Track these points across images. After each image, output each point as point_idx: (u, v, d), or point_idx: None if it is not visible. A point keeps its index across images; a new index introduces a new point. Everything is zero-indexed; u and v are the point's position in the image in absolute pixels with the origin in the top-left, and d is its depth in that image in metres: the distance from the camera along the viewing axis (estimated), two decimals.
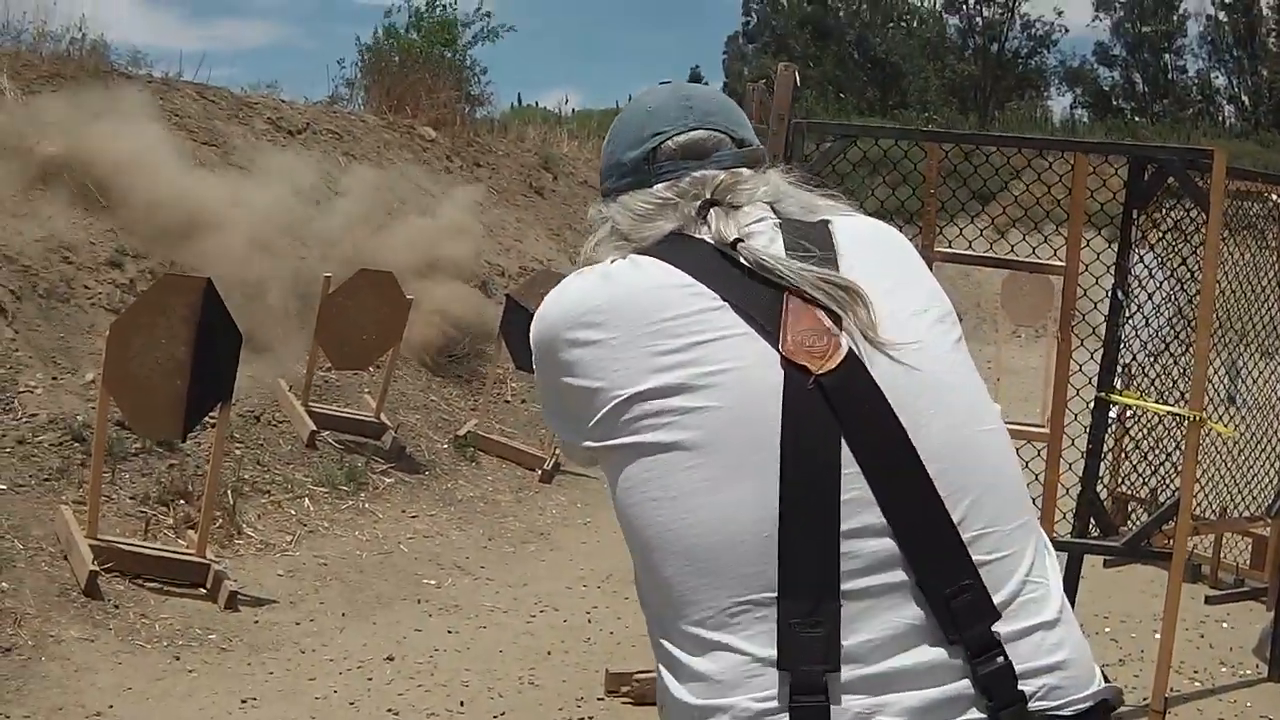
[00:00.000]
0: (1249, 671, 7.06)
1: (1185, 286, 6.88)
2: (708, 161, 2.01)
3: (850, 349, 1.75)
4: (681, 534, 1.72)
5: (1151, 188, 6.68)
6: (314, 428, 9.93)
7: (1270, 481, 7.51)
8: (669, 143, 2.03)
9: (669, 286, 1.83)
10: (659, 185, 2.00)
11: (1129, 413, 7.44)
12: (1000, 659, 1.66)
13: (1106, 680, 1.77)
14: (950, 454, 1.74)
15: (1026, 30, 54.38)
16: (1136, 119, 47.80)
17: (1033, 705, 1.67)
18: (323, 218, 12.71)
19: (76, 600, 6.73)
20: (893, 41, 50.71)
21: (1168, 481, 7.07)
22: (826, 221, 1.96)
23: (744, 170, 2.01)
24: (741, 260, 1.85)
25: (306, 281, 10.97)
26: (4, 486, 7.44)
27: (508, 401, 12.84)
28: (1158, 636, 6.27)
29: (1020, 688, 1.66)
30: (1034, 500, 1.90)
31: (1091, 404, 6.70)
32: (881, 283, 1.85)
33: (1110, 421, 6.93)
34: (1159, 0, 52.39)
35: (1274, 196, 7.58)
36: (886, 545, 1.67)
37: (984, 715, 1.64)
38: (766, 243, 1.88)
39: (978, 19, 54.18)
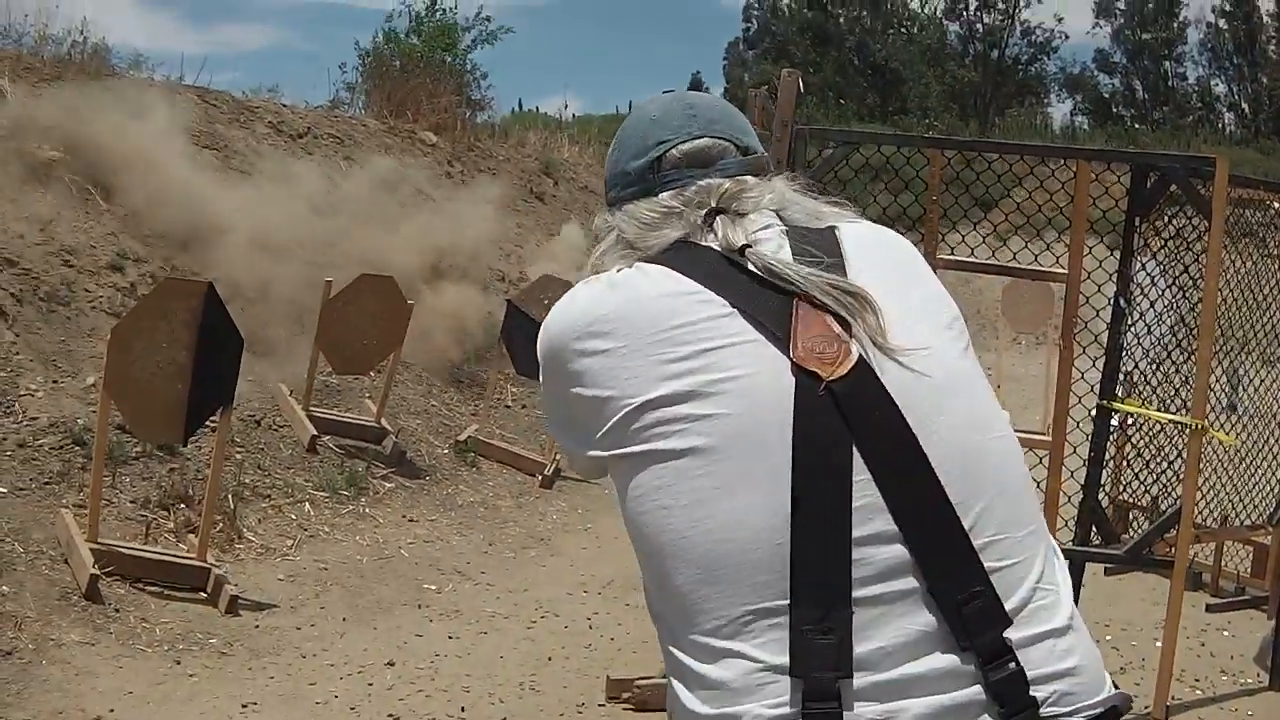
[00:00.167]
0: (1250, 680, 7.05)
1: (1187, 294, 6.87)
2: (712, 169, 2.00)
3: (860, 355, 1.75)
4: (693, 542, 1.72)
5: (1154, 195, 6.68)
6: (315, 432, 9.93)
7: (1271, 489, 7.51)
8: (673, 151, 2.02)
9: (677, 294, 1.83)
10: (664, 194, 1.99)
11: (1131, 420, 7.43)
12: (1012, 665, 1.66)
13: (1116, 687, 1.77)
14: (961, 460, 1.74)
15: (1027, 37, 54.50)
16: (1136, 126, 47.88)
17: (1044, 711, 1.67)
18: (324, 222, 12.71)
19: (77, 604, 6.72)
20: (893, 48, 50.77)
21: (1169, 489, 7.06)
22: (833, 228, 1.97)
23: (749, 178, 2.00)
24: (750, 267, 1.85)
25: (308, 286, 10.96)
26: (4, 490, 7.44)
27: (508, 407, 12.85)
28: (1159, 644, 6.28)
29: (1032, 694, 1.67)
30: None
31: (1093, 411, 6.69)
32: (889, 289, 1.85)
33: (1112, 429, 6.92)
34: (1159, 7, 52.46)
35: (1275, 204, 7.59)
36: (898, 552, 1.68)
37: None
38: (774, 249, 1.88)
39: (978, 25, 54.30)
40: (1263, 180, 7.88)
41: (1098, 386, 6.65)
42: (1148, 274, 6.80)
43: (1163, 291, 6.91)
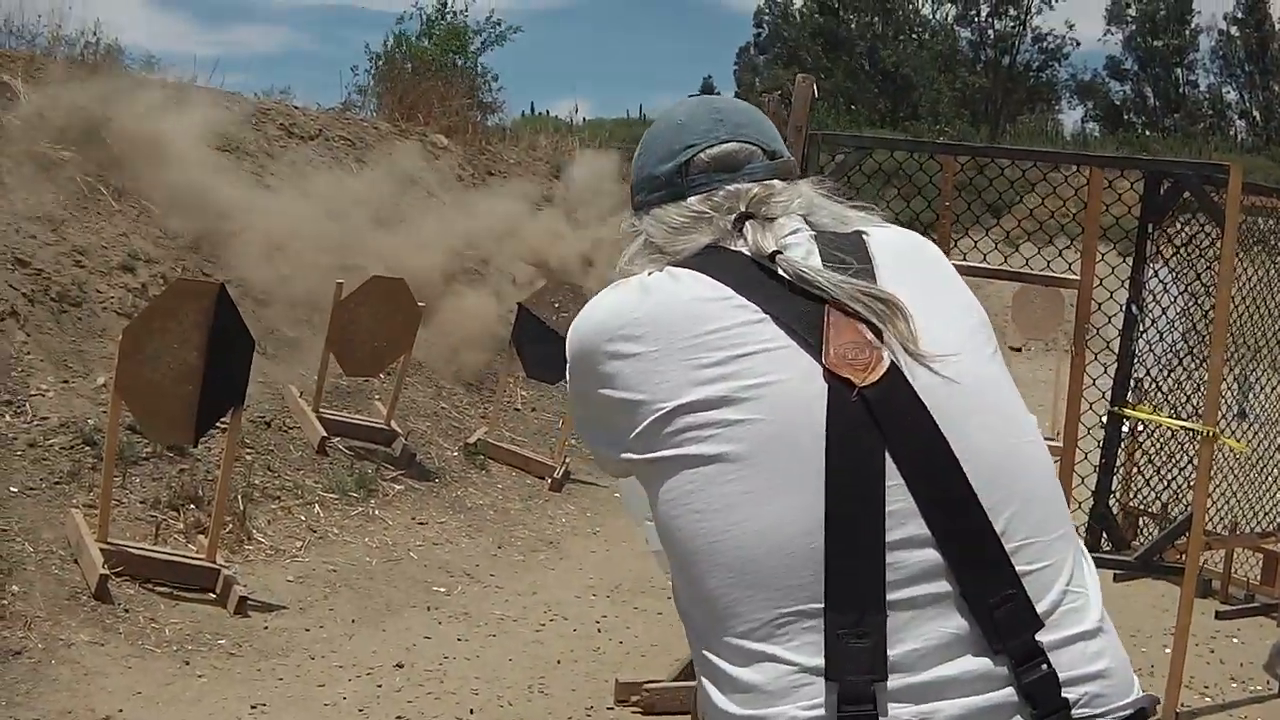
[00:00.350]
0: (1259, 687, 7.04)
1: (1199, 301, 6.88)
2: (740, 174, 2.01)
3: (892, 362, 1.76)
4: (726, 546, 1.72)
5: (1167, 202, 6.68)
6: (324, 434, 9.93)
7: (1274, 495, 7.50)
8: (701, 155, 2.03)
9: (709, 299, 1.84)
10: (693, 198, 2.00)
11: (1142, 427, 7.43)
12: (1044, 667, 1.67)
13: (1142, 689, 1.78)
14: (992, 465, 1.75)
15: (1038, 43, 54.39)
16: (1148, 133, 47.73)
17: (1076, 713, 1.68)
18: (335, 224, 12.71)
19: (86, 604, 6.73)
20: (904, 53, 50.70)
21: (1179, 496, 7.07)
22: (861, 233, 1.97)
23: (776, 182, 2.01)
24: (780, 273, 1.86)
25: (318, 288, 10.96)
26: (15, 490, 7.45)
27: (518, 410, 12.85)
28: (1168, 651, 6.27)
29: (1064, 695, 1.68)
30: None
31: (1104, 418, 6.69)
32: (919, 294, 1.86)
33: (1123, 435, 6.92)
34: (1171, 15, 52.37)
35: None
36: (931, 556, 1.69)
37: None
38: (804, 255, 1.89)
39: (989, 32, 54.18)
40: (1276, 187, 7.87)
41: (1109, 393, 6.65)
42: (1160, 281, 6.80)
43: (1175, 298, 6.91)
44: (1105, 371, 6.68)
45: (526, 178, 18.45)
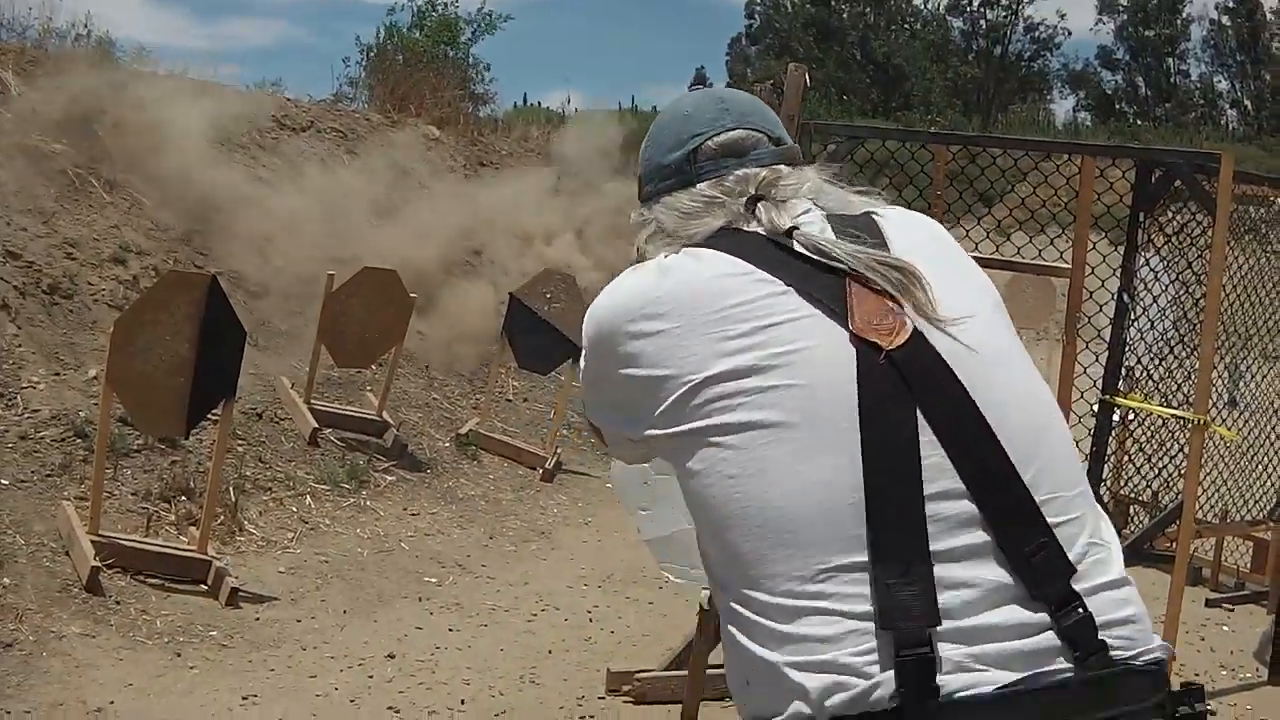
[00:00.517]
0: (1249, 675, 7.06)
1: (1190, 290, 6.88)
2: (747, 159, 2.08)
3: (915, 327, 1.84)
4: (765, 507, 1.77)
5: (1158, 191, 6.69)
6: (316, 425, 9.93)
7: (1271, 485, 7.52)
8: (709, 143, 2.10)
9: (731, 275, 1.90)
10: (702, 184, 2.06)
11: (1132, 415, 7.44)
12: (1080, 611, 1.75)
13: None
14: (1016, 423, 1.82)
15: (1030, 33, 54.51)
16: (1139, 122, 47.85)
17: (1114, 651, 1.76)
18: (326, 215, 12.70)
19: (78, 596, 6.72)
20: (896, 43, 50.74)
21: (1170, 484, 7.08)
22: (870, 213, 2.05)
23: (783, 167, 2.08)
24: (796, 248, 1.93)
25: (310, 279, 10.95)
26: (6, 482, 7.44)
27: (509, 400, 12.84)
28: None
29: (1102, 638, 1.76)
30: None
31: (1095, 406, 6.70)
32: (934, 267, 1.93)
33: (1114, 424, 6.93)
34: (1162, 4, 52.42)
35: (1278, 201, 7.59)
36: (967, 508, 1.76)
37: (1070, 664, 1.72)
38: (818, 232, 1.96)
39: (981, 21, 54.25)
40: (1267, 176, 7.89)
41: (1100, 381, 6.66)
42: (1151, 269, 6.81)
43: (1166, 287, 6.92)
44: (1096, 360, 6.69)
45: (519, 168, 18.42)
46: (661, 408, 1.89)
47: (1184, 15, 53.18)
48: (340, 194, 13.56)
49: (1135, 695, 1.78)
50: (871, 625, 1.69)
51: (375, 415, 10.64)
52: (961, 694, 1.67)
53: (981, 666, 1.69)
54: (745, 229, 1.99)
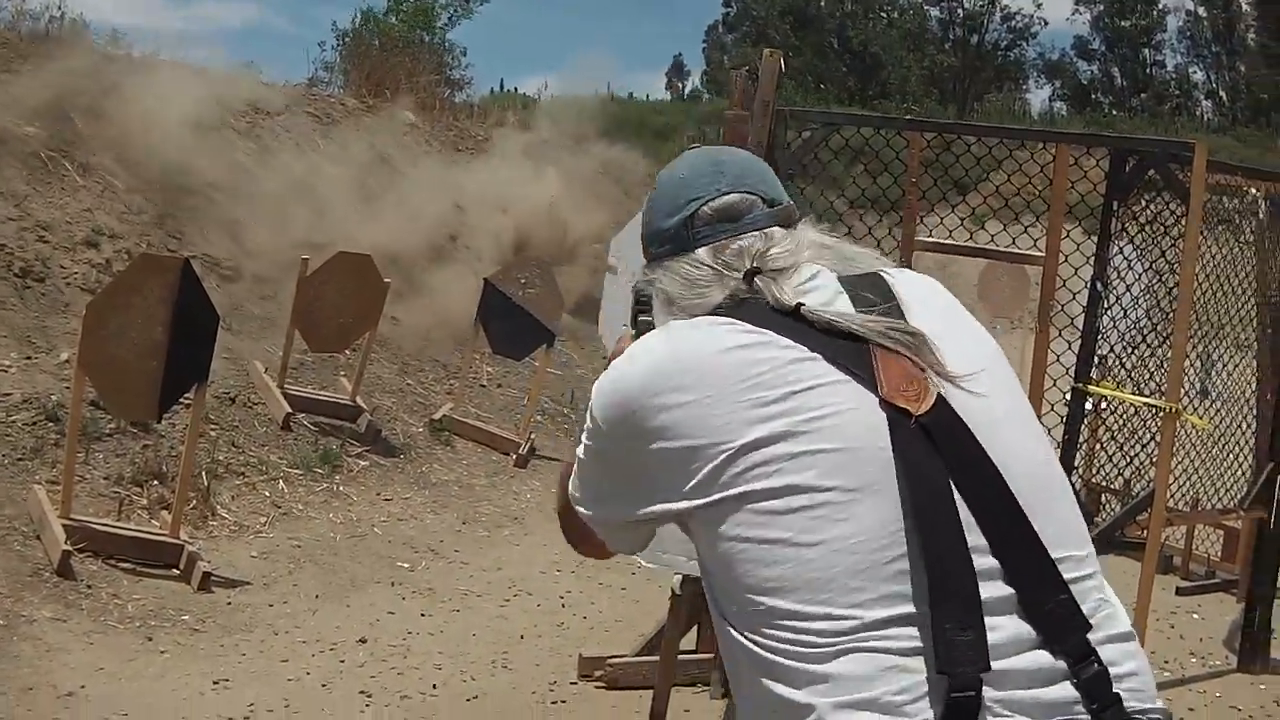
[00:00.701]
0: (1219, 662, 7.10)
1: (1163, 279, 6.89)
2: (742, 223, 2.10)
3: (939, 392, 1.89)
4: (805, 565, 1.80)
5: (1132, 180, 6.69)
6: (289, 410, 9.91)
7: (1242, 473, 7.54)
8: (704, 208, 2.12)
9: (755, 343, 1.92)
10: (700, 250, 2.09)
11: (1105, 403, 7.45)
12: (1096, 665, 1.80)
13: None
14: (1029, 481, 1.88)
15: (1006, 23, 54.47)
16: (1114, 112, 47.96)
17: (1127, 707, 1.81)
18: (302, 200, 12.67)
19: (49, 580, 6.70)
20: (873, 32, 50.72)
21: (1142, 472, 7.08)
22: (879, 273, 2.09)
23: (776, 230, 2.10)
24: (810, 320, 1.95)
25: (284, 263, 10.93)
26: None
27: (483, 386, 12.82)
28: None
29: (1116, 691, 1.80)
30: None
31: (1068, 394, 6.71)
32: (940, 325, 2.00)
33: (1086, 412, 6.94)
34: None
35: (1252, 190, 7.60)
36: (992, 564, 1.81)
37: (1088, 715, 1.77)
38: (828, 298, 2.01)
39: (958, 10, 54.25)
40: (1240, 166, 7.90)
41: (1073, 369, 6.67)
42: (1124, 258, 6.82)
43: (1139, 276, 6.93)
44: (1069, 348, 6.70)
45: (495, 153, 18.38)
46: (696, 479, 1.88)
47: (1160, 6, 53.26)
48: (315, 178, 13.53)
49: None
50: (917, 665, 1.73)
51: (349, 400, 10.62)
52: None
53: (1008, 713, 1.73)
54: (750, 300, 2.00)
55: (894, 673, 1.73)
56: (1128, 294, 6.88)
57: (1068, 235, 6.69)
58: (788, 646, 1.79)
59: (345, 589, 7.64)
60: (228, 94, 14.31)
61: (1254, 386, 7.77)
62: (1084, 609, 1.83)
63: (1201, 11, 52.02)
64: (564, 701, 6.23)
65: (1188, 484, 7.37)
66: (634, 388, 1.96)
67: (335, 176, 13.80)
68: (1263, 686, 7.18)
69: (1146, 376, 6.88)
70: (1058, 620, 1.80)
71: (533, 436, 11.48)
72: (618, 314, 4.26)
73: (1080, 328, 6.71)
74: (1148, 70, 54.42)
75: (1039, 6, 54.65)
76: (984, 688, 1.73)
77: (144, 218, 11.16)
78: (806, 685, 1.77)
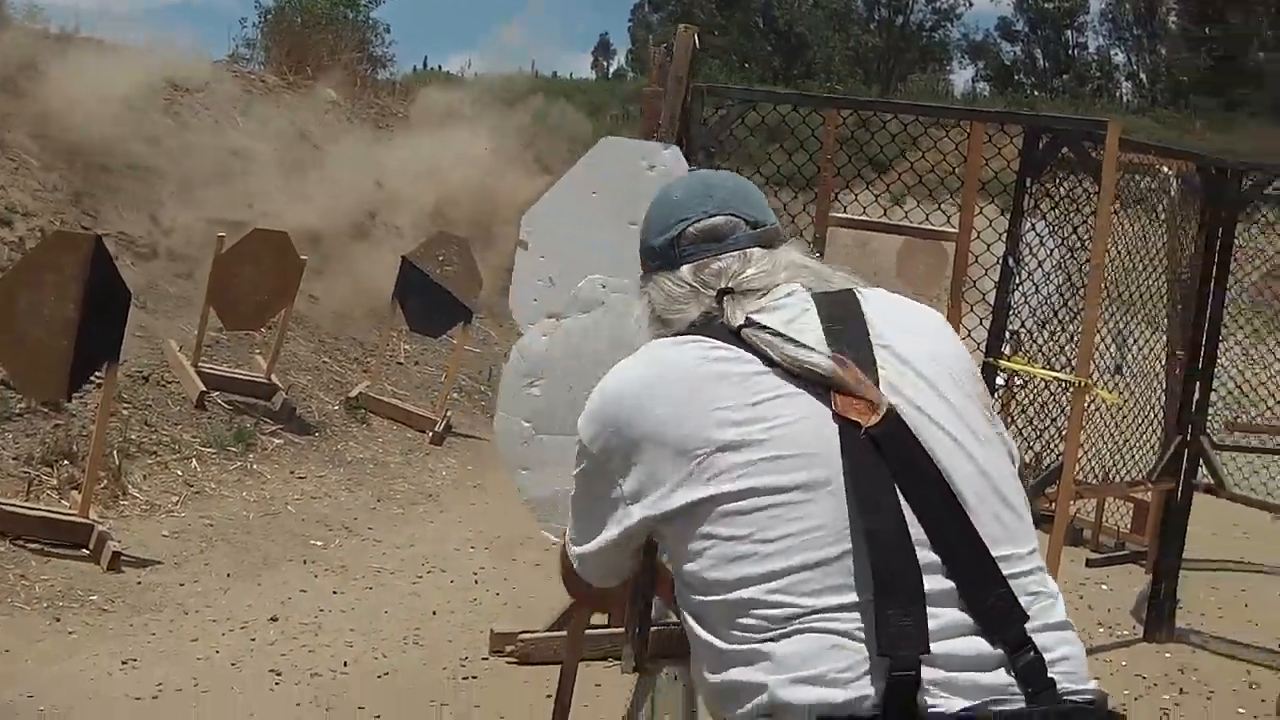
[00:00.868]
0: (1126, 632, 7.18)
1: (1075, 255, 6.93)
2: (725, 244, 2.29)
3: (890, 405, 2.04)
4: (765, 559, 1.98)
5: (1045, 157, 6.72)
6: (203, 388, 9.83)
7: (1151, 447, 7.61)
8: (691, 229, 2.31)
9: (719, 358, 2.11)
10: (684, 267, 2.29)
11: (1016, 378, 7.50)
12: (1032, 653, 1.95)
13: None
14: (973, 490, 2.05)
15: (931, 3, 54.77)
16: (1036, 93, 48.33)
17: (1060, 689, 1.95)
18: (220, 177, 12.56)
19: None
20: (798, 12, 50.83)
21: (1052, 447, 7.13)
22: (852, 290, 2.26)
23: (755, 251, 2.29)
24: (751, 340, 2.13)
25: (201, 241, 10.83)
26: None
27: (400, 364, 12.77)
28: None
29: (1050, 676, 1.95)
30: None
31: (979, 369, 6.75)
32: (903, 341, 2.16)
33: (998, 387, 6.98)
34: None
35: (1164, 169, 7.67)
36: (934, 560, 1.97)
37: (1023, 698, 1.93)
38: (794, 315, 2.17)
39: None
40: (1154, 145, 7.95)
41: (984, 344, 6.70)
42: (1037, 234, 6.85)
43: (1051, 251, 6.97)
44: (981, 323, 6.72)
45: (417, 131, 18.28)
46: (670, 484, 2.07)
47: None
48: (235, 156, 13.42)
49: None
50: (860, 647, 1.90)
51: (264, 378, 10.55)
52: (932, 711, 1.88)
53: (948, 693, 1.89)
54: (719, 318, 2.19)
55: (839, 652, 1.90)
56: (1040, 270, 6.91)
57: (980, 212, 6.72)
58: (745, 634, 1.97)
59: (257, 567, 7.58)
60: (147, 71, 14.15)
61: (1164, 362, 7.85)
62: (1021, 602, 1.97)
63: None
64: (475, 677, 6.20)
65: (1098, 458, 7.43)
66: (616, 401, 2.16)
67: (255, 154, 13.70)
68: (1168, 655, 7.30)
69: (1058, 351, 6.92)
70: (997, 613, 1.95)
71: (449, 414, 11.45)
72: (529, 290, 4.24)
73: (993, 303, 6.74)
74: (1070, 52, 54.93)
75: None
76: (923, 669, 1.88)
77: (59, 195, 11.03)
78: (759, 664, 1.94)
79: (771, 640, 1.95)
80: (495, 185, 16.22)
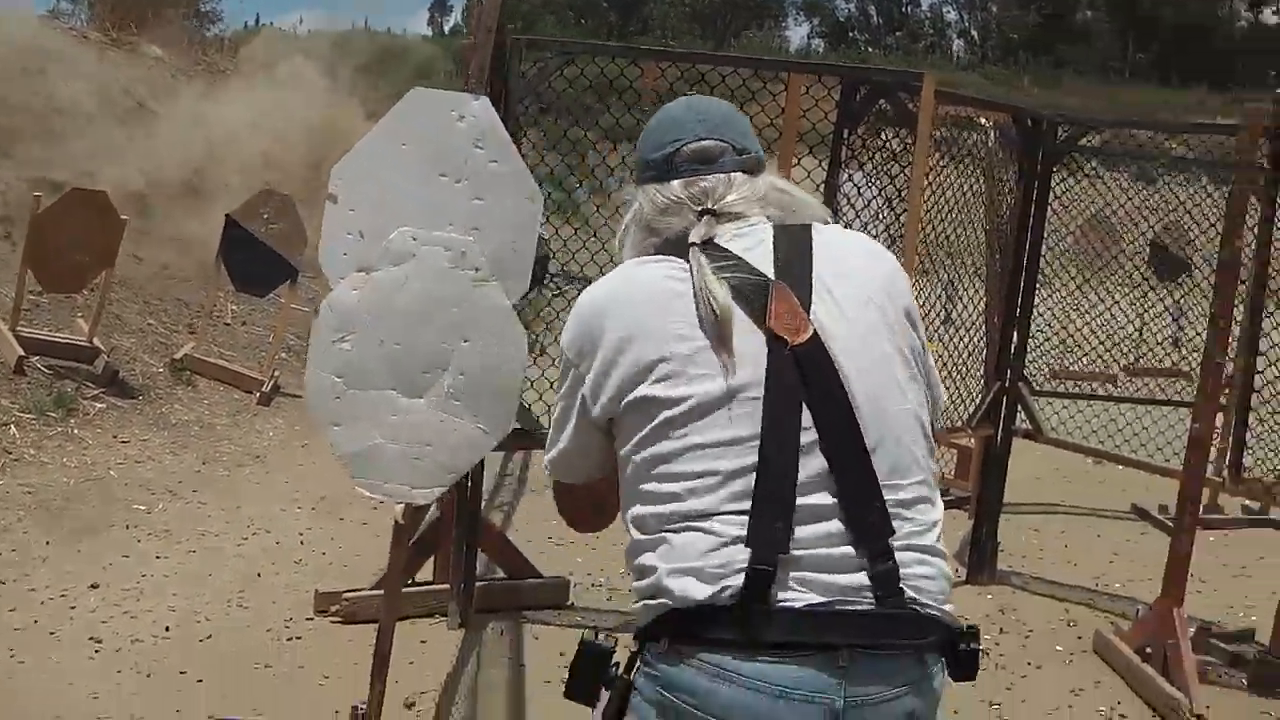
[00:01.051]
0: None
1: (894, 205, 7.01)
2: (714, 165, 2.52)
3: (815, 329, 2.31)
4: (679, 462, 2.29)
5: (862, 109, 6.79)
6: (22, 353, 9.60)
7: (973, 395, 7.75)
8: (684, 149, 2.53)
9: (679, 277, 2.38)
10: (675, 182, 2.51)
11: None
12: (890, 563, 2.24)
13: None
14: (877, 421, 2.31)
15: None
16: (870, 50, 48.84)
17: (907, 599, 2.24)
18: (39, 136, 12.26)
19: None
20: None
21: None
22: (809, 227, 2.50)
23: (739, 175, 2.52)
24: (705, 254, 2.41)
25: (18, 202, 10.56)
26: None
27: (227, 324, 12.58)
28: None
29: (901, 585, 2.24)
30: None
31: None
32: (839, 279, 2.41)
33: None
34: None
35: (982, 120, 7.78)
36: (828, 479, 2.25)
37: (872, 601, 2.22)
38: (751, 244, 2.44)
39: None
40: (970, 97, 8.06)
41: None
42: (855, 185, 6.92)
43: (869, 202, 7.03)
44: None
45: (245, 88, 17.98)
46: (625, 382, 2.36)
47: None
48: (56, 114, 13.11)
49: (916, 633, 2.26)
50: (738, 548, 2.20)
51: (85, 341, 10.32)
52: (780, 604, 2.19)
53: (802, 589, 2.20)
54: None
55: (719, 551, 2.21)
56: (857, 221, 6.97)
57: (799, 163, 6.76)
58: (658, 525, 2.29)
59: (78, 534, 7.42)
60: None
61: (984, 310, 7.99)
62: (894, 522, 2.25)
63: None
64: (300, 638, 6.15)
65: None
66: (589, 309, 2.45)
67: (78, 112, 13.38)
68: (989, 596, 7.50)
69: None
70: (871, 528, 2.23)
71: (277, 374, 11.31)
72: (339, 244, 4.17)
73: None
74: (904, 9, 55.55)
75: None
76: (785, 569, 2.18)
77: None
78: (659, 550, 2.28)
79: (673, 532, 2.26)
80: (324, 142, 15.99)
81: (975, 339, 7.93)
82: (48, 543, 7.22)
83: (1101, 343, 10.12)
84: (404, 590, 6.16)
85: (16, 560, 6.89)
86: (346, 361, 4.09)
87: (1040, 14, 50.24)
